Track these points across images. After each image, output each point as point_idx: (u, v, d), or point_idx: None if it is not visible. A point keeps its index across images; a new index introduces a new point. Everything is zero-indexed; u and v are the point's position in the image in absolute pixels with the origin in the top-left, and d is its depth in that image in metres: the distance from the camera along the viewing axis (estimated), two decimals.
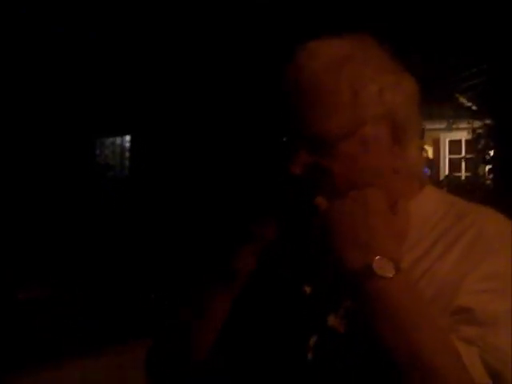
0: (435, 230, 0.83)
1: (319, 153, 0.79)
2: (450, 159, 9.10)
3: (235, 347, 0.86)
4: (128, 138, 6.75)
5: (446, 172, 8.73)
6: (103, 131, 6.74)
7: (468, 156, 7.96)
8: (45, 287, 4.02)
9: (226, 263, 0.86)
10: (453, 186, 6.41)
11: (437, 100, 5.79)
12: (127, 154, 6.77)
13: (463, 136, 7.84)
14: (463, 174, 8.41)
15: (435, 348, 0.69)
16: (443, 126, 7.84)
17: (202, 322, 0.87)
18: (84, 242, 5.69)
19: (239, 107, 5.19)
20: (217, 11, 4.90)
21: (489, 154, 5.77)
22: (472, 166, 7.11)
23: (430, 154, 8.82)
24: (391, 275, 0.71)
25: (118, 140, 6.89)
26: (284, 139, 0.82)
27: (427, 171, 6.27)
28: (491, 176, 5.87)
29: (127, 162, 6.76)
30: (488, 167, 5.96)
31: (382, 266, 0.71)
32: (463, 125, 6.94)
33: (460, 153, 8.71)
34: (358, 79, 0.79)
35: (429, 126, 7.34)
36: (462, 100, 6.68)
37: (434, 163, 8.81)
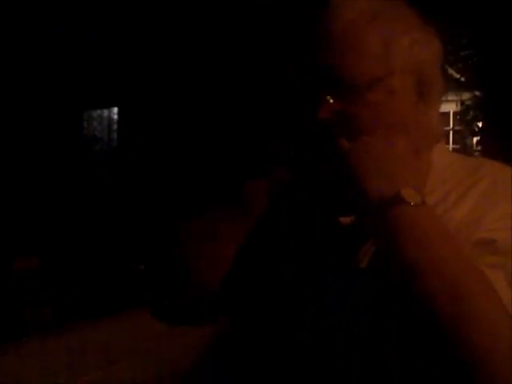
0: (448, 183, 0.84)
1: (347, 100, 0.80)
2: None
3: (248, 283, 0.86)
4: (116, 110, 6.67)
5: None
6: (90, 103, 6.65)
7: (456, 128, 8.00)
8: (36, 258, 4.02)
9: (239, 190, 0.87)
10: None
11: None
12: (115, 127, 6.69)
13: (451, 108, 7.87)
14: (451, 146, 8.46)
15: (463, 270, 0.70)
16: None
17: (215, 247, 0.87)
18: (73, 214, 5.66)
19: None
20: None
21: (477, 126, 5.81)
22: (460, 138, 7.15)
23: None
24: (420, 203, 0.72)
25: (106, 112, 6.80)
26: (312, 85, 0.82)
27: None
28: (479, 148, 5.91)
29: (115, 135, 6.69)
30: (476, 139, 6.00)
31: (410, 194, 0.72)
32: (451, 97, 6.96)
33: (448, 125, 8.75)
34: (390, 31, 0.81)
35: None
36: (451, 72, 6.69)
37: None
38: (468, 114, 6.10)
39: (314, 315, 0.82)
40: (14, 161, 5.79)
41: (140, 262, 4.26)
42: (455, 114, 7.85)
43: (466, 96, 6.19)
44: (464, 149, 6.55)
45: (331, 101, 0.81)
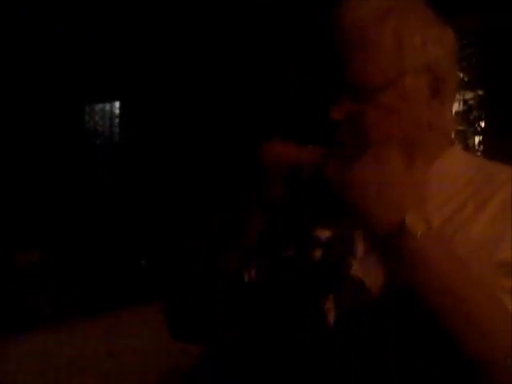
0: (465, 191, 0.83)
1: (360, 101, 0.79)
2: None
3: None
4: (117, 104, 6.65)
5: None
6: (92, 97, 6.64)
7: (459, 128, 7.97)
8: (38, 252, 4.01)
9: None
10: None
11: None
12: (117, 121, 6.68)
13: (454, 108, 7.84)
14: None
15: (480, 299, 0.69)
16: None
17: (239, 235, 0.86)
18: (75, 208, 5.66)
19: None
20: None
21: (480, 126, 5.78)
22: (462, 138, 7.12)
23: None
24: (424, 231, 0.71)
25: (108, 106, 6.78)
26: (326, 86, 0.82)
27: None
28: (481, 148, 5.88)
29: (117, 129, 6.68)
30: (478, 139, 5.97)
31: (415, 223, 0.71)
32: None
33: None
34: (403, 30, 0.80)
35: None
36: None
37: None
38: (471, 114, 6.06)
39: (314, 315, 0.82)
40: (15, 155, 5.78)
41: (142, 257, 4.25)
42: (456, 113, 7.82)
43: (468, 95, 6.15)
44: (466, 149, 6.52)
45: (345, 102, 0.80)
